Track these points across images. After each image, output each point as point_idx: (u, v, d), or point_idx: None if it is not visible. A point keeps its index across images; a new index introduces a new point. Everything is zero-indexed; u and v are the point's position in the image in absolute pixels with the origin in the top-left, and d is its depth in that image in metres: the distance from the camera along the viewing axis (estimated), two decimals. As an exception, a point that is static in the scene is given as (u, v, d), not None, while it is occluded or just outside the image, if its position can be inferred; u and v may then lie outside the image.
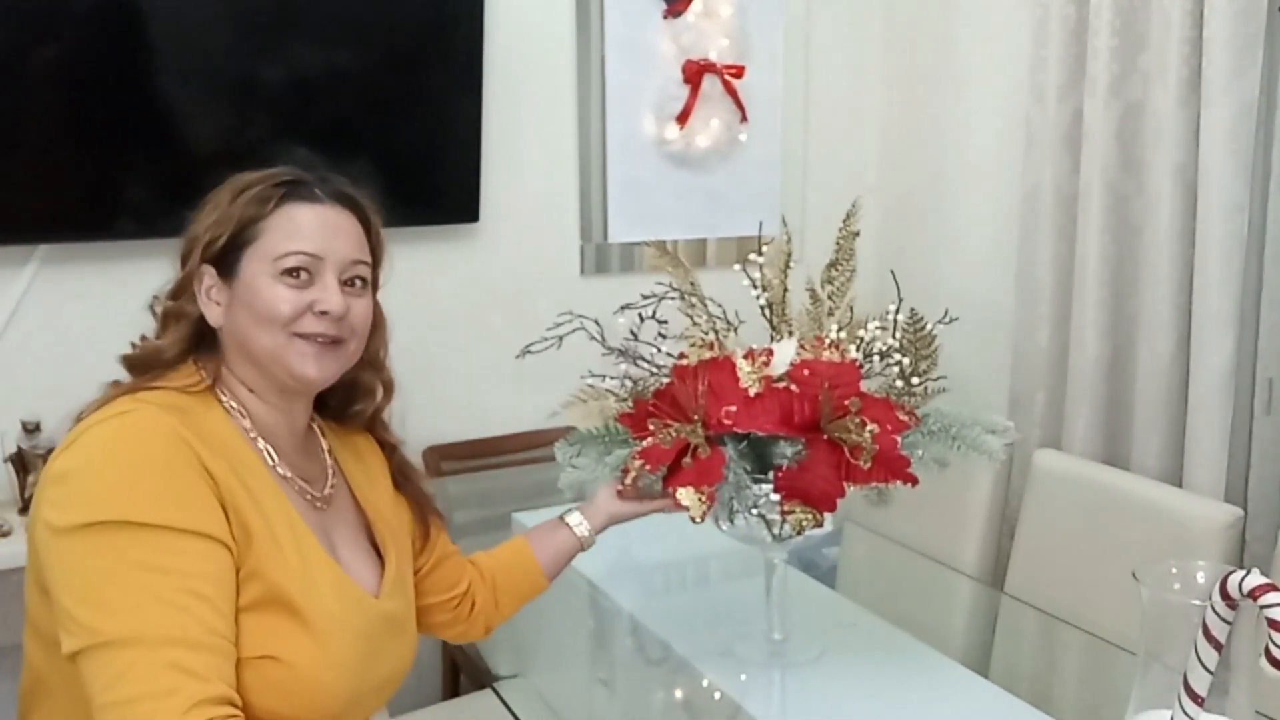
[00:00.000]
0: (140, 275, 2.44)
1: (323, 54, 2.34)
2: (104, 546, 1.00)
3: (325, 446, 1.31)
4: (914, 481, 1.33)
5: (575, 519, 1.53)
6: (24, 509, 2.13)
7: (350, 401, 1.33)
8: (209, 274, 1.18)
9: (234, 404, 1.19)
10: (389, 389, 1.37)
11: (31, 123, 2.11)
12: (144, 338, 1.24)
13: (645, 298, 1.52)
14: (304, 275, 1.16)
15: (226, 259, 1.17)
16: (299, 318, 1.16)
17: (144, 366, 1.19)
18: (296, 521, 1.15)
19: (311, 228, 1.18)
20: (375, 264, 1.26)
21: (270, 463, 1.18)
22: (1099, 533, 1.97)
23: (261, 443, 1.19)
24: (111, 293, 2.29)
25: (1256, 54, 2.01)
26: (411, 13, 2.39)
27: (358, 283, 1.21)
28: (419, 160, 2.46)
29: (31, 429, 2.16)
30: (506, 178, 2.61)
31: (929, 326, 1.47)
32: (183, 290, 1.21)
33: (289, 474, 1.20)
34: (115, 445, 1.06)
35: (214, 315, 1.18)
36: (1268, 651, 0.89)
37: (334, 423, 1.34)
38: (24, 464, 2.15)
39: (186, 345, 1.20)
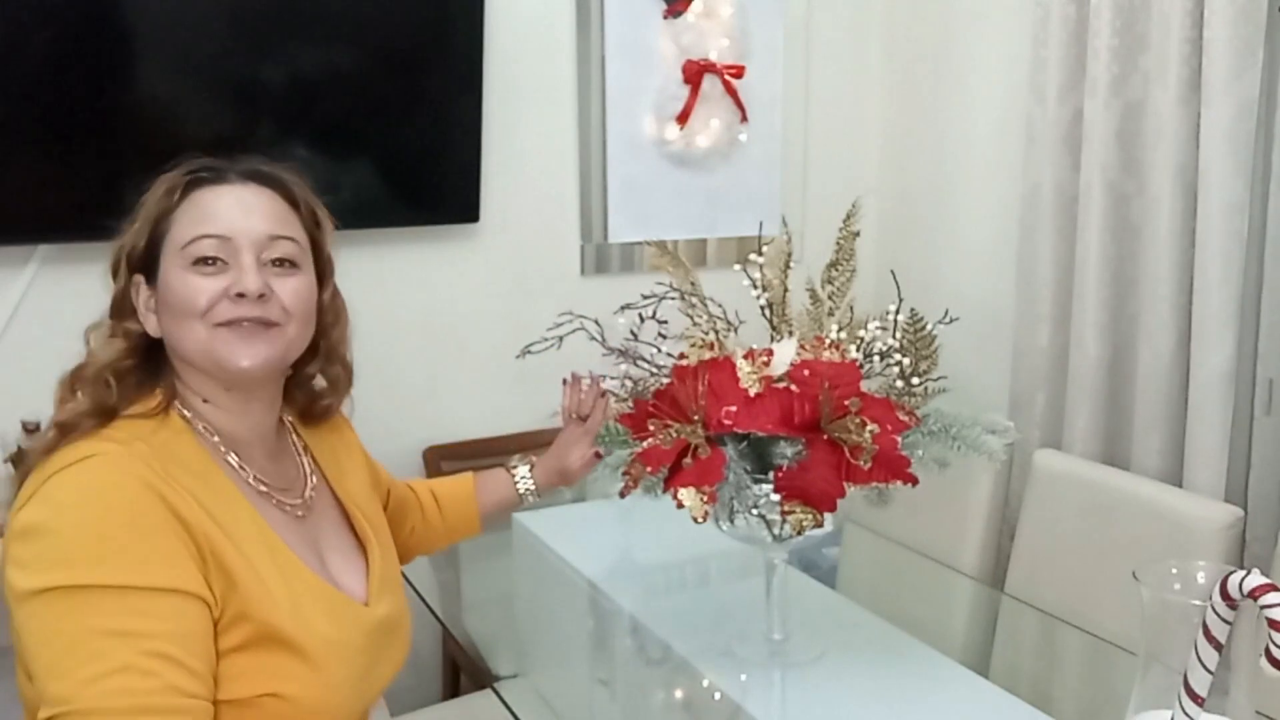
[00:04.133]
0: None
1: (323, 54, 2.34)
2: (67, 611, 0.96)
3: (300, 445, 1.28)
4: (914, 481, 1.33)
5: (521, 472, 1.58)
6: (24, 509, 2.13)
7: (318, 397, 1.29)
8: (140, 283, 1.14)
9: (196, 420, 1.14)
10: (349, 379, 1.31)
11: (31, 123, 2.11)
12: (73, 384, 1.13)
13: (645, 298, 1.52)
14: (218, 262, 1.11)
15: (149, 263, 1.13)
16: (215, 305, 1.10)
17: (98, 410, 1.09)
18: (278, 547, 1.12)
19: (218, 210, 1.13)
20: (315, 245, 1.20)
21: (243, 478, 1.14)
22: (1099, 533, 1.97)
23: (233, 457, 1.14)
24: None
25: (1256, 54, 2.01)
26: (411, 13, 2.39)
27: (285, 263, 1.15)
28: (419, 160, 2.46)
29: (31, 429, 2.15)
30: (506, 178, 2.61)
31: (929, 326, 1.47)
32: (120, 308, 1.15)
33: (265, 488, 1.16)
34: (79, 500, 1.00)
35: (152, 326, 1.13)
36: (1268, 651, 0.89)
37: (303, 419, 1.30)
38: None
39: (136, 369, 1.13)
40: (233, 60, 2.25)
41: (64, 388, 1.12)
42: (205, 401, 1.14)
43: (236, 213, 1.13)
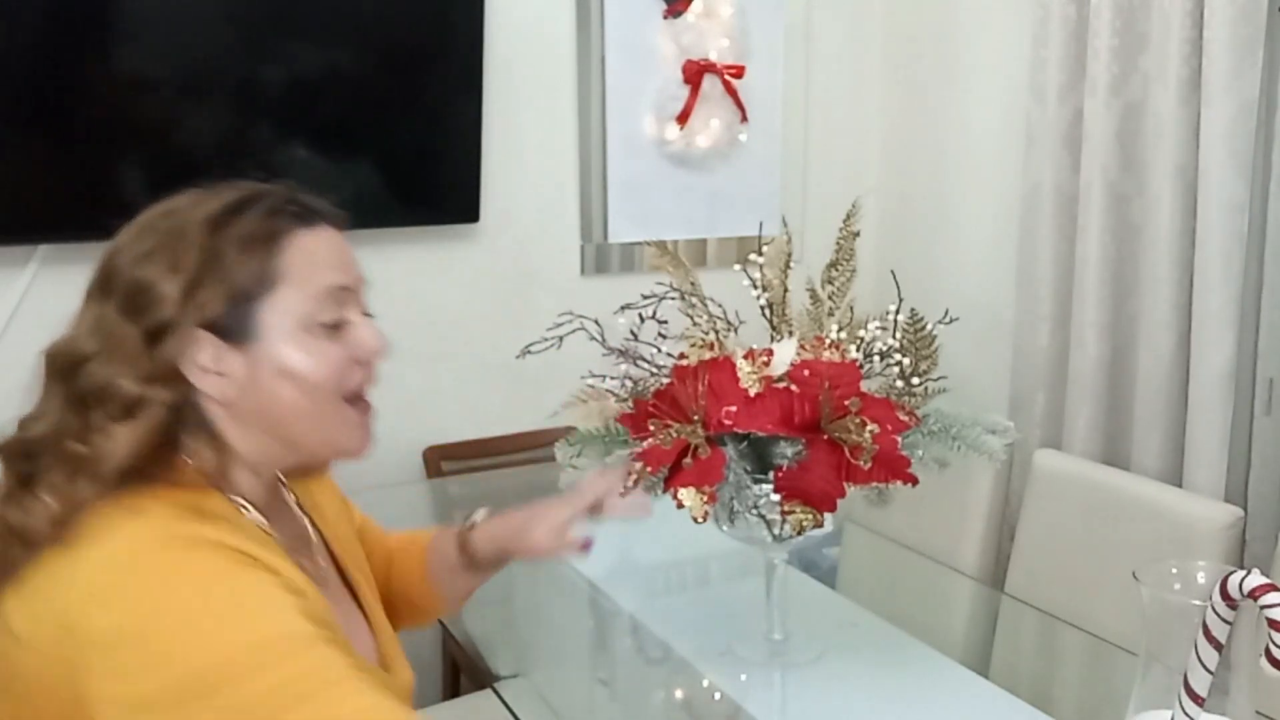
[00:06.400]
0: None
1: (323, 54, 2.34)
2: (207, 706, 0.80)
3: (293, 499, 1.11)
4: (914, 481, 1.33)
5: (480, 514, 1.34)
6: (24, 509, 2.13)
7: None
8: (208, 341, 0.91)
9: (237, 496, 0.96)
10: None
11: (31, 123, 2.11)
12: (72, 472, 0.89)
13: (645, 298, 1.51)
14: (339, 322, 0.96)
15: (234, 319, 0.91)
16: (346, 374, 0.96)
17: (104, 475, 0.88)
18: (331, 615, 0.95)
19: (331, 259, 0.97)
20: None
21: (283, 549, 0.97)
22: (1099, 533, 1.97)
23: (262, 521, 0.97)
24: (111, 293, 2.29)
25: (1256, 54, 2.01)
26: (411, 13, 2.39)
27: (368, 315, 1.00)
28: (419, 160, 2.46)
29: (31, 429, 2.16)
30: (506, 178, 2.61)
31: (929, 326, 1.47)
32: (157, 370, 0.90)
33: (294, 552, 0.99)
34: (161, 587, 0.83)
35: (218, 389, 0.92)
36: (1268, 652, 0.89)
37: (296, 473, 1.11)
38: (24, 464, 2.15)
39: (157, 443, 0.91)
40: (233, 60, 2.25)
41: (61, 469, 0.89)
42: (251, 473, 0.98)
43: (348, 259, 0.98)
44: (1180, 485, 2.12)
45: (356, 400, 0.98)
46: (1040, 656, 1.89)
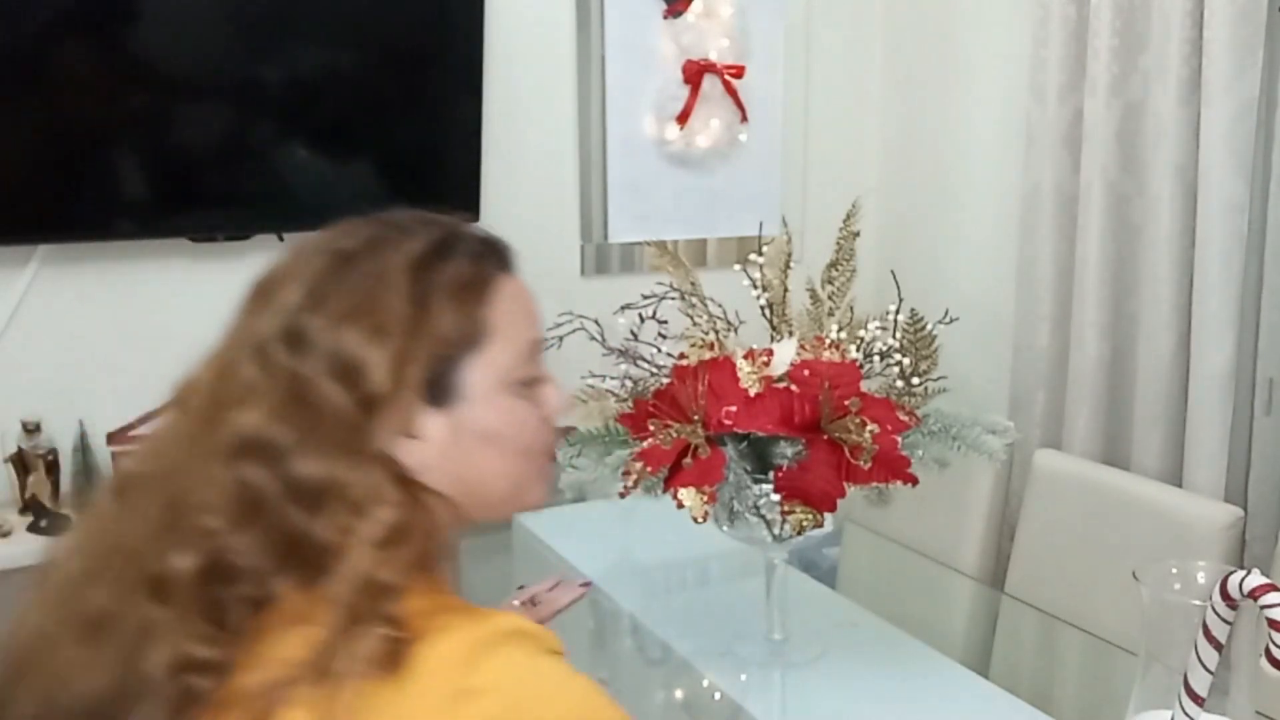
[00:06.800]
0: (140, 275, 2.44)
1: (323, 54, 2.34)
2: None
3: None
4: (914, 481, 1.33)
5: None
6: (24, 509, 2.13)
7: None
8: (412, 403, 0.78)
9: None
10: None
11: (32, 123, 2.11)
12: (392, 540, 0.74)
13: (645, 298, 1.51)
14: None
15: (439, 378, 0.80)
16: (544, 437, 0.88)
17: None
18: None
19: (530, 309, 0.88)
20: None
21: None
22: (1099, 533, 1.97)
23: None
24: (111, 293, 2.29)
25: (1256, 54, 2.01)
26: (411, 13, 2.39)
27: None
28: (419, 160, 2.46)
29: (31, 429, 2.16)
30: (506, 178, 2.60)
31: (929, 326, 1.47)
32: (372, 448, 0.76)
33: None
34: (562, 691, 0.77)
35: (416, 456, 0.79)
36: (1268, 652, 0.89)
37: None
38: (24, 464, 2.15)
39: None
40: (233, 60, 2.26)
41: (384, 545, 0.74)
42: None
43: (538, 309, 0.89)
44: (1180, 485, 2.12)
45: (551, 459, 0.91)
46: (1040, 656, 1.89)
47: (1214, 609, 0.92)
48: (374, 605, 0.71)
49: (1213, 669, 0.93)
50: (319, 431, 0.75)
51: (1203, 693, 0.93)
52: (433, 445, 0.79)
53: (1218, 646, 0.92)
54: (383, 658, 0.70)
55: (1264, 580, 0.90)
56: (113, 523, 0.79)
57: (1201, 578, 1.00)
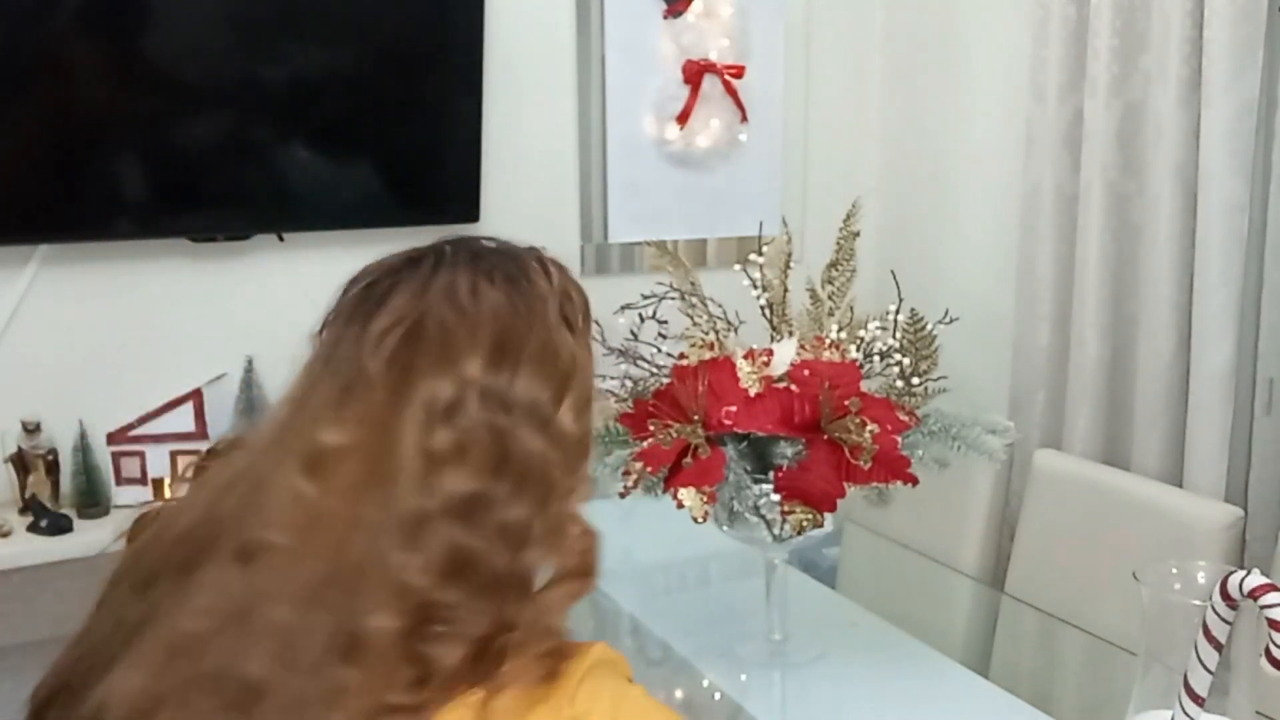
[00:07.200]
0: (140, 275, 2.43)
1: (323, 54, 2.34)
2: None
3: None
4: (914, 481, 1.33)
5: None
6: (24, 509, 2.13)
7: None
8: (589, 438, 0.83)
9: None
10: None
11: (32, 123, 2.11)
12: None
13: (645, 298, 1.52)
14: None
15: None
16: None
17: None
18: None
19: None
20: None
21: None
22: (1099, 533, 1.97)
23: None
24: (111, 293, 2.29)
25: (1256, 54, 2.01)
26: (411, 13, 2.39)
27: None
28: (419, 160, 2.46)
29: (31, 429, 2.16)
30: (506, 178, 2.60)
31: (929, 326, 1.47)
32: (560, 480, 0.79)
33: None
34: None
35: None
36: (1268, 652, 0.89)
37: None
38: (24, 464, 2.15)
39: None
40: (234, 60, 2.26)
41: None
42: None
43: None
44: (1180, 485, 2.12)
45: None
46: (1040, 656, 1.89)
47: (1214, 609, 0.92)
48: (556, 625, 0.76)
49: (1213, 669, 0.93)
50: (527, 481, 0.76)
51: (1203, 693, 0.93)
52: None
53: (1218, 647, 0.92)
54: (545, 674, 0.74)
55: (1264, 580, 0.90)
56: (253, 590, 0.75)
57: (1201, 578, 1.00)
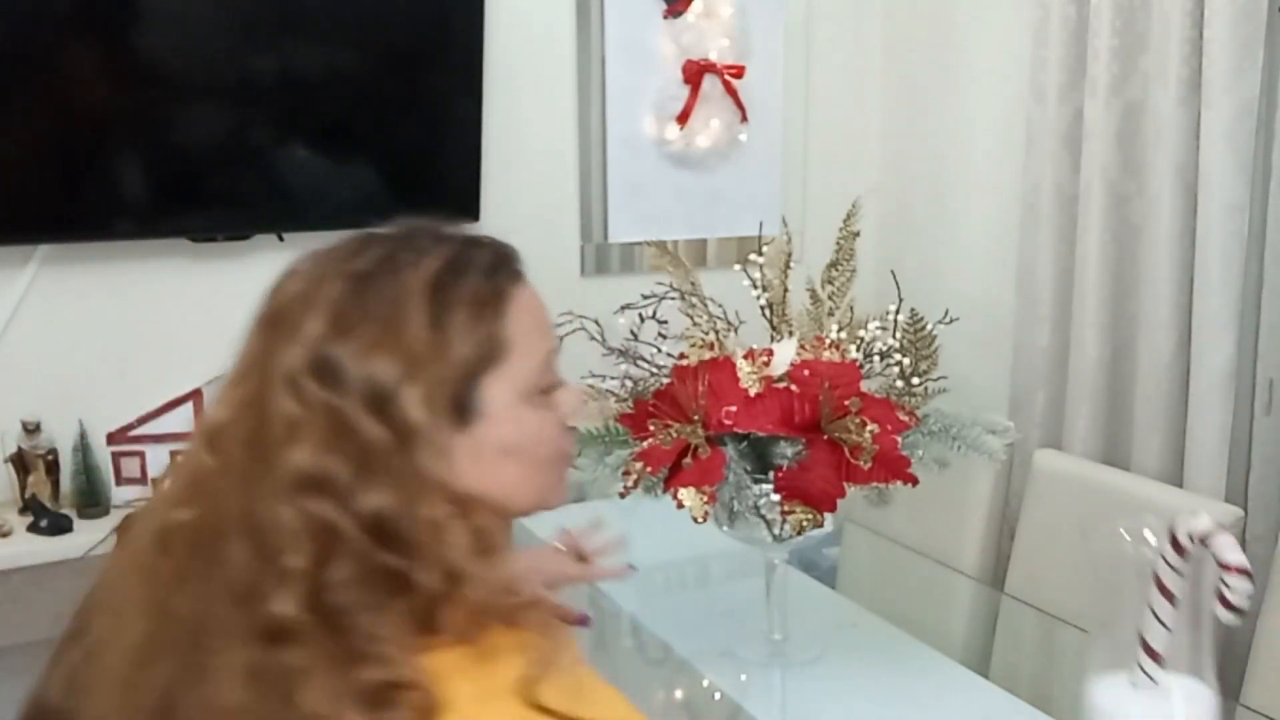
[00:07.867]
0: (140, 275, 2.43)
1: (322, 54, 2.34)
2: None
3: None
4: (914, 481, 1.33)
5: None
6: (24, 509, 2.13)
7: None
8: (442, 429, 0.77)
9: None
10: None
11: (31, 123, 2.11)
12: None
13: (645, 298, 1.51)
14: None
15: (460, 398, 0.78)
16: (564, 443, 0.88)
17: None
18: None
19: (544, 319, 0.88)
20: None
21: None
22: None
23: None
24: (111, 293, 2.29)
25: (1256, 54, 2.01)
26: (411, 13, 2.39)
27: None
28: (419, 160, 2.46)
29: (31, 429, 2.16)
30: (506, 178, 2.60)
31: (929, 326, 1.47)
32: (420, 478, 0.75)
33: None
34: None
35: (460, 475, 0.79)
36: (1221, 595, 0.88)
37: None
38: (24, 464, 2.15)
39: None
40: (233, 59, 2.25)
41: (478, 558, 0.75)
42: None
43: (549, 317, 0.90)
44: (1180, 485, 2.12)
45: (570, 461, 0.91)
46: (1040, 656, 1.89)
47: (1164, 559, 0.92)
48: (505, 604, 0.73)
49: (1169, 623, 0.92)
50: (370, 463, 0.73)
51: (1161, 649, 0.92)
52: (457, 464, 0.78)
53: (1171, 598, 0.91)
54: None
55: (1211, 523, 0.89)
56: (168, 580, 0.75)
57: (1150, 535, 0.99)
